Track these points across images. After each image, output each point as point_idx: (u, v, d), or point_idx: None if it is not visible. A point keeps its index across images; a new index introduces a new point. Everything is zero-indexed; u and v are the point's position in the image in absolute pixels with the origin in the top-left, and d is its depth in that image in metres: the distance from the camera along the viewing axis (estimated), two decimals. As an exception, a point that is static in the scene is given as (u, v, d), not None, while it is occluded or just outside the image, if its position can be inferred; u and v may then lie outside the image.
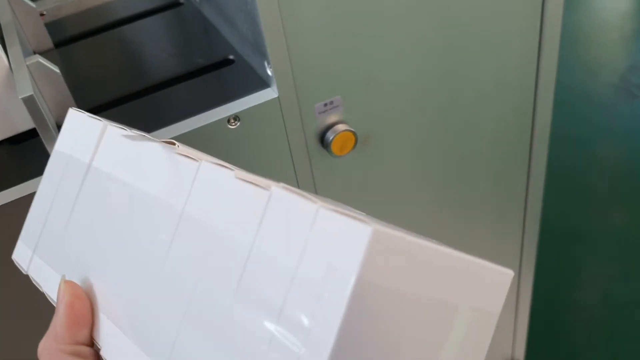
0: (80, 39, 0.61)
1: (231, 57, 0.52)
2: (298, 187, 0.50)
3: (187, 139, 0.45)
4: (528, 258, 0.74)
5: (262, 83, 0.48)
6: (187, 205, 0.25)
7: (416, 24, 0.49)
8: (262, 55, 0.46)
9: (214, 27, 0.57)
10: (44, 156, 0.44)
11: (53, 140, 0.43)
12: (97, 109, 0.49)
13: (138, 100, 0.50)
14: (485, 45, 0.52)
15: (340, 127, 0.50)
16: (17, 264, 0.34)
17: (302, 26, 0.44)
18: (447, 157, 0.59)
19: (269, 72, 0.46)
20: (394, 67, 0.50)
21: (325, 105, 0.49)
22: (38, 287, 0.32)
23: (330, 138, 0.50)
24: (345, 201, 0.54)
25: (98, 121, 0.33)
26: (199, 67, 0.52)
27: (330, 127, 0.50)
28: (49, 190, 0.34)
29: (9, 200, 0.42)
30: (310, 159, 0.51)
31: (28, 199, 0.41)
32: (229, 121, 0.46)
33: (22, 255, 0.34)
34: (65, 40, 0.60)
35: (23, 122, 0.46)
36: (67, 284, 0.29)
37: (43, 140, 0.43)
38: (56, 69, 0.45)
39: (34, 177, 0.43)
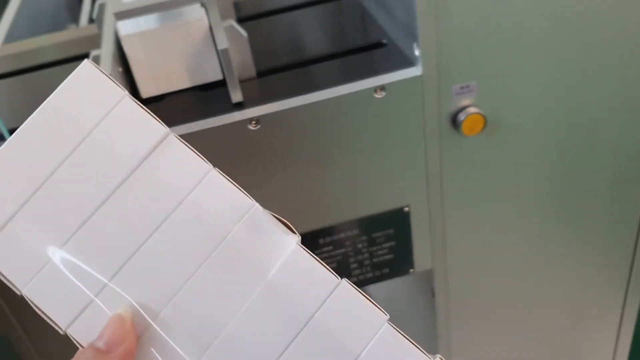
0: (252, 19, 0.71)
1: (384, 41, 0.60)
2: (425, 159, 0.57)
3: (338, 103, 0.53)
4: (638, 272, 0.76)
5: (408, 63, 0.55)
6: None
7: (563, 24, 0.54)
8: (412, 37, 0.54)
9: (370, 16, 0.65)
10: (225, 101, 0.54)
11: (237, 90, 0.53)
12: (264, 73, 0.59)
13: (298, 70, 0.60)
14: (624, 50, 0.57)
15: (472, 109, 0.57)
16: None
17: (453, 13, 0.51)
18: (566, 157, 0.63)
19: (416, 53, 0.54)
20: (533, 62, 0.56)
21: (462, 88, 0.56)
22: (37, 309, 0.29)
23: (462, 119, 0.57)
24: (466, 180, 0.60)
25: (117, 87, 0.32)
26: (354, 47, 0.61)
27: (462, 109, 0.57)
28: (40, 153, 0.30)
29: (193, 130, 0.52)
30: (440, 134, 0.58)
31: (205, 132, 0.52)
32: (375, 90, 0.54)
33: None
34: (241, 18, 0.71)
35: (213, 74, 0.57)
36: (124, 324, 0.28)
37: (230, 88, 0.53)
38: (244, 34, 0.55)
39: (215, 116, 0.53)
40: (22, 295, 0.29)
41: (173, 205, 0.31)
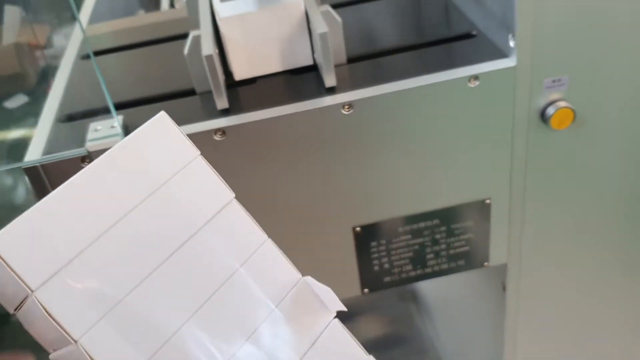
0: (342, 6, 0.72)
1: (473, 32, 0.60)
2: (512, 151, 0.57)
3: (432, 90, 0.54)
4: None
5: (501, 54, 0.55)
6: None
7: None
8: (508, 28, 0.54)
9: (455, 7, 0.66)
10: (316, 85, 0.55)
11: (332, 75, 0.54)
12: (353, 59, 0.59)
13: (387, 57, 0.60)
14: None
15: (562, 103, 0.56)
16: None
17: (550, 5, 0.51)
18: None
19: (511, 44, 0.54)
20: (626, 59, 0.55)
21: (554, 81, 0.55)
22: None
23: (551, 112, 0.56)
24: (550, 174, 0.59)
25: (191, 146, 0.31)
26: (442, 38, 0.61)
27: (552, 102, 0.57)
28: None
29: (286, 113, 0.53)
30: (528, 127, 0.57)
31: (297, 115, 0.52)
32: (469, 80, 0.54)
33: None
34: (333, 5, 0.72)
35: (304, 59, 0.57)
36: None
37: (325, 73, 0.54)
38: (339, 19, 0.56)
39: (308, 99, 0.54)
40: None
41: (226, 274, 0.30)
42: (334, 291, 0.64)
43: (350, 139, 0.55)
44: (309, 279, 0.32)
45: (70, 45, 0.71)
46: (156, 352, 0.27)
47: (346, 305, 0.33)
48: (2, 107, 1.57)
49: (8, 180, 1.31)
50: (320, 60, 0.55)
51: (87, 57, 0.67)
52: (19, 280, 0.26)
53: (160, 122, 0.31)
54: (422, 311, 1.17)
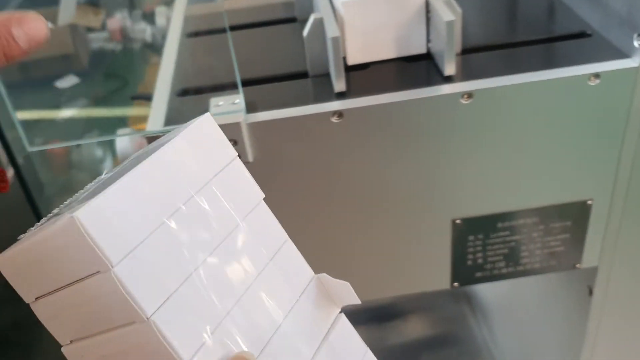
0: None
1: (588, 31, 0.60)
2: (620, 153, 0.56)
3: (552, 86, 0.53)
4: None
5: (621, 54, 0.55)
6: None
7: None
8: (633, 28, 0.53)
9: (564, 6, 0.65)
10: (430, 74, 0.55)
11: (452, 63, 0.54)
12: (466, 51, 0.59)
13: (501, 51, 0.60)
14: None
15: (679, 108, 0.56)
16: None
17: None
18: None
19: (636, 45, 0.53)
20: None
21: (674, 84, 0.55)
22: None
23: (666, 116, 0.56)
24: None
25: (231, 146, 0.32)
26: (558, 35, 0.61)
27: (669, 106, 0.56)
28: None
29: (400, 100, 0.53)
30: (642, 130, 0.57)
31: (412, 103, 0.52)
32: (590, 78, 0.53)
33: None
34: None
35: (418, 47, 0.58)
36: None
37: (445, 61, 0.54)
38: (459, 9, 0.55)
39: (426, 86, 0.54)
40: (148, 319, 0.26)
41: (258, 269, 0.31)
42: (423, 282, 0.65)
43: (465, 130, 0.54)
44: (323, 276, 0.33)
45: (173, 24, 0.72)
46: (219, 325, 0.28)
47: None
48: (53, 87, 1.60)
49: (98, 152, 1.33)
50: (438, 48, 0.55)
51: (193, 34, 0.68)
52: (101, 255, 0.25)
53: (206, 122, 0.32)
54: (477, 313, 1.16)
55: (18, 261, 0.28)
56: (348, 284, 0.33)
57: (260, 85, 0.59)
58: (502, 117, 0.54)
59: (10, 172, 0.80)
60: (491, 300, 1.11)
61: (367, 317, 1.16)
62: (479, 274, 0.64)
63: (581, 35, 0.60)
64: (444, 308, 1.21)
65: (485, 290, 1.14)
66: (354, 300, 0.34)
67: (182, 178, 0.29)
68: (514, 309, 1.00)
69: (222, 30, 0.70)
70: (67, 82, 1.65)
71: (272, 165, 0.54)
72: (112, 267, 0.26)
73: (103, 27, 1.73)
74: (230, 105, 0.51)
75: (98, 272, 0.26)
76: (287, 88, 0.57)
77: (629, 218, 0.63)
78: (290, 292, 0.32)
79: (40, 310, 0.29)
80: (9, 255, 0.29)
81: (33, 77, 1.59)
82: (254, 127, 0.51)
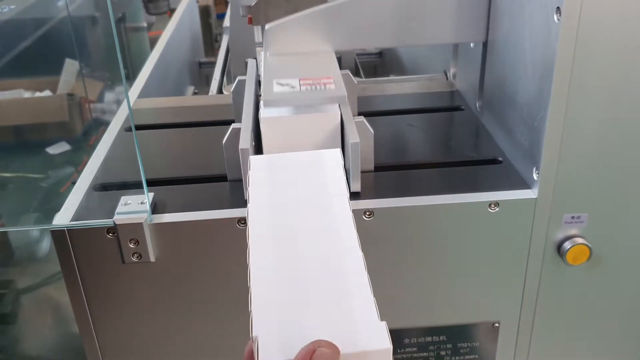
0: (375, 115, 0.75)
1: (500, 158, 0.63)
2: (525, 279, 0.58)
3: (452, 210, 0.55)
4: None
5: (523, 184, 0.57)
6: None
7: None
8: (533, 161, 0.56)
9: (487, 132, 0.68)
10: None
11: (357, 181, 0.56)
12: (387, 168, 0.62)
13: (411, 171, 0.62)
14: None
15: (579, 240, 0.57)
16: None
17: (577, 148, 0.53)
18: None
19: (535, 177, 0.55)
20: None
21: (573, 218, 0.57)
22: None
23: (567, 247, 0.57)
24: (560, 306, 0.60)
25: (345, 186, 0.45)
26: (470, 160, 0.63)
27: (569, 237, 0.58)
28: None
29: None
30: (543, 259, 0.58)
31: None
32: (490, 205, 0.55)
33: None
34: (366, 113, 0.76)
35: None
36: None
37: (351, 179, 0.56)
38: (372, 130, 0.58)
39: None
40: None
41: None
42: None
43: (369, 245, 0.56)
44: None
45: (118, 115, 0.75)
46: None
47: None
48: (44, 152, 1.63)
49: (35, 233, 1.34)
50: (347, 166, 0.57)
51: (130, 129, 0.71)
52: None
53: (334, 155, 0.49)
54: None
55: None
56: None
57: (182, 185, 0.61)
58: (404, 235, 0.56)
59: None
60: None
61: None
62: (387, 389, 0.63)
63: (493, 161, 0.62)
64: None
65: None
66: None
67: (305, 182, 0.46)
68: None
69: (157, 127, 0.73)
70: (58, 148, 1.69)
71: (176, 265, 0.55)
72: None
73: (100, 100, 1.81)
74: (138, 205, 0.53)
75: None
76: (205, 190, 0.60)
77: (538, 343, 0.63)
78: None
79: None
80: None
81: (26, 140, 1.63)
82: (158, 228, 0.53)
